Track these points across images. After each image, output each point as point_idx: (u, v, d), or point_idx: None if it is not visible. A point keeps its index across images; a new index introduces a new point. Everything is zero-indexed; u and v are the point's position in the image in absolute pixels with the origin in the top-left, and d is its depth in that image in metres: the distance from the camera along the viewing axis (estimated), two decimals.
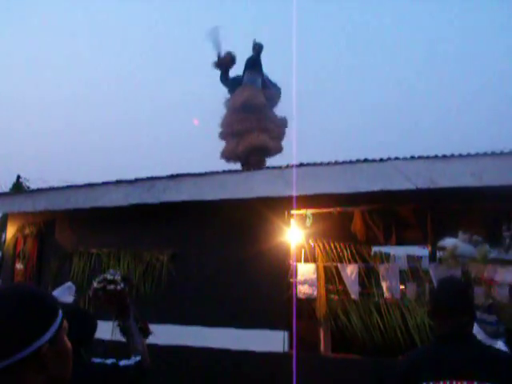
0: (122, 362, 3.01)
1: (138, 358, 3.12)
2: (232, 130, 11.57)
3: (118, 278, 3.58)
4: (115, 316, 3.49)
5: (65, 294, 5.49)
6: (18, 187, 19.13)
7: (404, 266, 7.96)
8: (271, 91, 11.96)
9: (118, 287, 3.47)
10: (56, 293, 5.28)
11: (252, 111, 11.28)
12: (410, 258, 8.62)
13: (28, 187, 19.23)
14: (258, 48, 11.84)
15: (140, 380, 3.09)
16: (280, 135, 11.88)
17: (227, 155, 12.01)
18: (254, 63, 11.76)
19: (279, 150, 11.86)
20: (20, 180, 19.78)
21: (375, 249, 9.01)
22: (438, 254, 7.82)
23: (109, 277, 3.54)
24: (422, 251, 9.48)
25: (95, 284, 3.56)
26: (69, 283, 4.89)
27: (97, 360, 2.95)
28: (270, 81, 12.08)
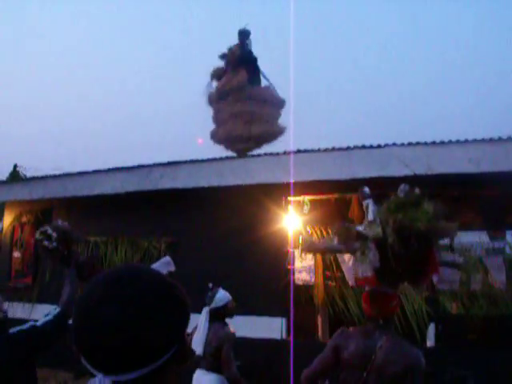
0: (41, 321, 2.98)
1: (58, 311, 3.08)
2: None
3: (53, 234, 3.60)
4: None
5: (163, 268, 5.41)
6: (15, 176, 19.09)
7: None
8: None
9: (50, 246, 3.54)
10: (155, 266, 5.22)
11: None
12: None
13: (25, 176, 19.19)
14: (244, 34, 11.54)
15: (61, 332, 3.04)
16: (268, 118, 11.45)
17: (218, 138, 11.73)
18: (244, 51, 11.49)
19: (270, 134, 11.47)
20: (17, 168, 19.74)
21: None
22: None
23: (48, 231, 3.60)
24: None
25: (37, 234, 3.65)
26: (167, 258, 4.82)
27: (15, 328, 2.88)
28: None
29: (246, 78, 11.00)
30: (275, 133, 11.44)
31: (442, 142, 6.76)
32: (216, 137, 11.59)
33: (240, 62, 11.06)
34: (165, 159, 8.35)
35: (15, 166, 19.77)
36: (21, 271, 10.67)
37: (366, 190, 5.94)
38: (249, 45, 11.55)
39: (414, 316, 7.29)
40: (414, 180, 6.90)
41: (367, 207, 5.85)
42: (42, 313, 8.76)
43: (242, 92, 10.93)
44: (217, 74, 11.48)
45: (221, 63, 11.79)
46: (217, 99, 11.45)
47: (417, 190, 4.65)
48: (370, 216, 5.22)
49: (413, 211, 4.33)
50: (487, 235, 7.86)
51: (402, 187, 5.85)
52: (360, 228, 4.52)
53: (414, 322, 7.25)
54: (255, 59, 11.48)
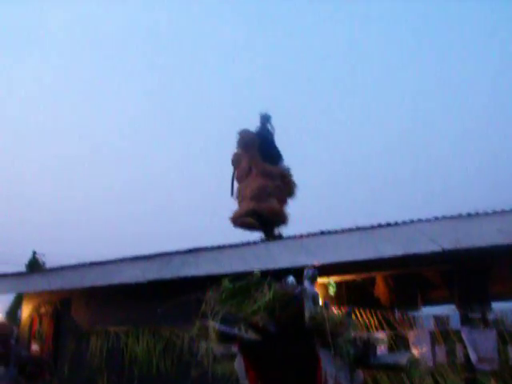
0: None
1: None
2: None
3: None
4: None
5: None
6: (34, 263, 19.11)
7: (431, 328, 7.63)
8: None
9: None
10: None
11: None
12: (437, 318, 8.29)
13: (44, 263, 19.22)
14: (265, 119, 11.71)
15: None
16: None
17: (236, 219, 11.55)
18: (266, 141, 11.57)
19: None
20: (36, 255, 19.80)
21: (401, 313, 8.67)
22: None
23: None
24: (449, 311, 9.14)
25: None
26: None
27: None
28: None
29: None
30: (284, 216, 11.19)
31: (469, 215, 6.59)
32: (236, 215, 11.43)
33: (251, 146, 11.15)
34: (186, 246, 8.23)
35: (34, 253, 19.85)
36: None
37: (291, 279, 5.63)
38: (270, 129, 11.70)
39: None
40: (442, 255, 6.71)
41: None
42: None
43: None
44: (235, 160, 11.54)
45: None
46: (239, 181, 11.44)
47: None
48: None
49: (240, 299, 3.98)
50: None
51: (306, 272, 5.56)
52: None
53: None
54: (271, 141, 11.55)
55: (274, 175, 10.96)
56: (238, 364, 4.25)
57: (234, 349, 4.09)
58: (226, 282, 4.34)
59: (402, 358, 4.50)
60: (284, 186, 11.12)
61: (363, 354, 4.26)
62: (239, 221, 10.73)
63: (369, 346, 4.47)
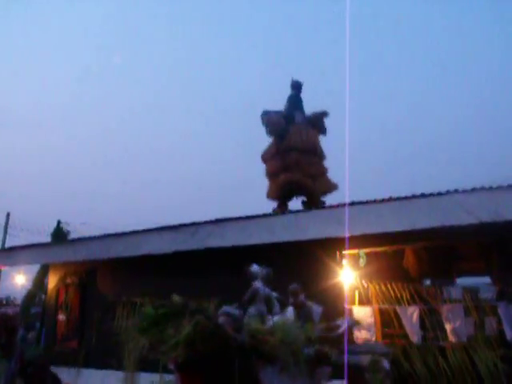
0: None
1: None
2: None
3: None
4: None
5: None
6: (59, 232, 19.21)
7: (459, 296, 7.41)
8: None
9: None
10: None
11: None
12: (467, 290, 8.05)
13: (68, 231, 19.31)
14: (297, 86, 11.57)
15: None
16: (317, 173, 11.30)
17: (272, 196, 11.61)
18: (292, 99, 11.46)
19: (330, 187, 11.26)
20: (60, 225, 19.89)
21: (433, 286, 8.42)
22: None
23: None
24: (480, 283, 8.89)
25: None
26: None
27: None
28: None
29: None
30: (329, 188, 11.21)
31: (510, 186, 6.25)
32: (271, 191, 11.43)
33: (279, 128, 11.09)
34: (213, 216, 8.06)
35: (59, 223, 19.93)
36: (66, 335, 10.42)
37: (255, 268, 5.76)
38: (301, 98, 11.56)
39: (489, 377, 6.63)
40: (480, 228, 6.41)
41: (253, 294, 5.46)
42: (87, 377, 8.41)
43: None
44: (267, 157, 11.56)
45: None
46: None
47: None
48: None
49: (163, 327, 3.65)
50: None
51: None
52: None
53: (489, 382, 6.59)
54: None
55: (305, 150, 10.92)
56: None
57: (170, 366, 3.87)
58: (148, 309, 4.07)
59: (363, 360, 4.33)
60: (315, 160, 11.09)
61: (323, 355, 4.05)
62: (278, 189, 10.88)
63: (331, 344, 4.29)
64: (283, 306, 5.70)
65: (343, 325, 4.62)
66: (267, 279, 5.48)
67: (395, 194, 6.85)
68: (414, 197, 6.67)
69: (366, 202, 6.94)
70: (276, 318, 4.32)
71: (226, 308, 4.53)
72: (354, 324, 5.02)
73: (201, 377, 3.61)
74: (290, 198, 11.30)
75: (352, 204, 6.95)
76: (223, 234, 7.74)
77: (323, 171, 11.39)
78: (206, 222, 8.06)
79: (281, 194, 11.14)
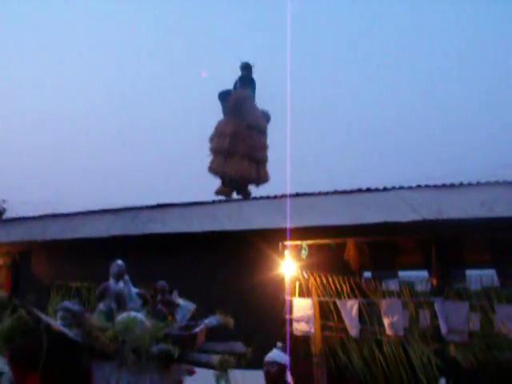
0: None
1: None
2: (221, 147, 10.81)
3: None
4: None
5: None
6: None
7: (396, 287, 7.52)
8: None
9: None
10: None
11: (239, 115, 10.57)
12: (404, 283, 8.17)
13: (4, 209, 18.52)
14: (247, 67, 11.34)
15: None
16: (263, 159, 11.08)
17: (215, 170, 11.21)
18: (244, 79, 11.20)
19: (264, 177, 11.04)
20: None
21: (374, 279, 8.50)
22: None
23: None
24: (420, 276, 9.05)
25: None
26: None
27: None
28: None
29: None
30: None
31: (453, 185, 6.33)
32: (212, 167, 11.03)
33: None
34: (154, 201, 7.82)
35: None
36: None
37: (119, 262, 5.83)
38: (252, 78, 11.26)
39: (423, 370, 6.75)
40: (422, 224, 6.48)
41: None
42: None
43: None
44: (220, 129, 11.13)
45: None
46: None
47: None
48: None
49: None
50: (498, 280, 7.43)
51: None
52: None
53: (422, 376, 6.72)
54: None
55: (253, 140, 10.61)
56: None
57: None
58: None
59: (213, 359, 4.28)
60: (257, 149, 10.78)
61: (166, 353, 3.99)
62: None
63: (185, 343, 4.26)
64: (146, 303, 5.70)
65: (202, 324, 4.66)
66: (119, 276, 5.52)
67: (340, 187, 6.83)
68: (358, 191, 6.67)
69: (311, 194, 6.89)
70: (124, 315, 4.17)
71: (65, 303, 4.41)
72: (220, 323, 5.02)
73: (32, 370, 3.52)
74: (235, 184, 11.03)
75: (296, 195, 6.89)
76: (164, 219, 7.53)
77: (266, 159, 11.14)
78: (146, 207, 7.83)
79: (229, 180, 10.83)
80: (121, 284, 5.44)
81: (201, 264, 7.78)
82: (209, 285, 7.63)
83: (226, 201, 7.43)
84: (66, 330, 3.73)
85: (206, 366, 4.24)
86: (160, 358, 3.91)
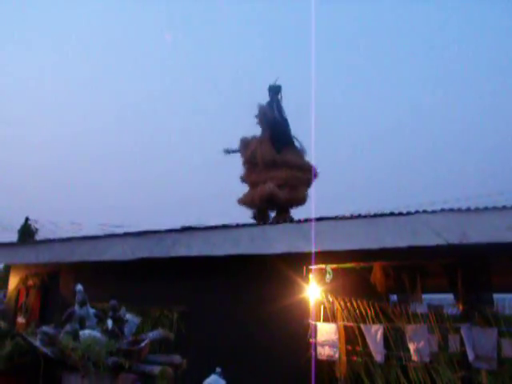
0: None
1: None
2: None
3: None
4: None
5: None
6: (26, 229, 18.77)
7: (424, 311, 7.40)
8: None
9: None
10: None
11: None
12: (432, 307, 8.05)
13: (36, 229, 18.86)
14: (274, 90, 11.37)
15: None
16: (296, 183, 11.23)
17: (244, 202, 11.56)
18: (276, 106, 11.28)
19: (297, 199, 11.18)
20: (28, 222, 19.43)
21: (400, 304, 8.39)
22: None
23: None
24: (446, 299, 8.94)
25: None
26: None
27: None
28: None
29: (269, 152, 10.88)
30: (300, 199, 11.20)
31: (477, 209, 6.24)
32: (245, 198, 11.37)
33: (267, 126, 10.95)
34: (179, 224, 7.94)
35: (27, 220, 19.48)
36: None
37: (79, 287, 6.80)
38: (280, 100, 11.38)
39: None
40: (446, 249, 6.39)
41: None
42: None
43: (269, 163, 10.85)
44: (244, 144, 11.43)
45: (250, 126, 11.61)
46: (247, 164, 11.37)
47: None
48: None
49: None
50: None
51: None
52: None
53: None
54: (285, 121, 11.33)
55: (292, 165, 10.91)
56: None
57: None
58: None
59: (155, 369, 5.19)
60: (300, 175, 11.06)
61: (119, 365, 5.02)
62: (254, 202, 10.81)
63: (132, 355, 5.24)
64: (101, 321, 6.52)
65: (146, 339, 5.59)
66: (83, 302, 6.47)
67: (364, 211, 6.81)
68: (382, 215, 6.63)
69: (334, 218, 6.87)
70: (87, 334, 5.33)
71: (43, 328, 5.65)
72: (162, 336, 6.11)
73: (16, 381, 4.86)
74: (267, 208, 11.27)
75: (320, 219, 6.88)
76: (189, 243, 7.61)
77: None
78: (171, 230, 7.92)
79: (260, 204, 11.06)
80: (84, 309, 6.44)
81: (225, 287, 7.82)
82: (232, 308, 7.65)
83: (249, 225, 7.46)
84: (46, 350, 4.91)
85: (149, 375, 5.13)
86: (113, 369, 4.93)
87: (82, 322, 6.04)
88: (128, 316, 6.40)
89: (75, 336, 5.48)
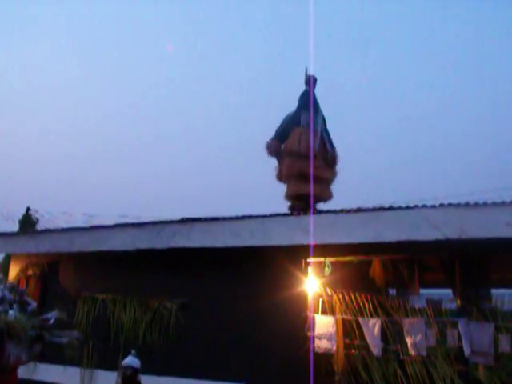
0: None
1: None
2: (291, 173, 10.80)
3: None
4: None
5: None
6: (27, 219, 18.79)
7: (423, 305, 7.40)
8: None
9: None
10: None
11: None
12: (430, 301, 8.06)
13: (37, 219, 18.89)
14: (311, 81, 11.03)
15: None
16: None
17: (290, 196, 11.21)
18: (308, 99, 10.99)
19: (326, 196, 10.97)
20: (29, 212, 19.45)
21: (397, 298, 8.39)
22: None
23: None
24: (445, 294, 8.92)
25: None
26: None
27: None
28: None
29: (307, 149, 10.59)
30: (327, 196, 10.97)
31: (477, 204, 6.24)
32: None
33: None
34: (180, 215, 7.94)
35: (28, 209, 19.50)
36: None
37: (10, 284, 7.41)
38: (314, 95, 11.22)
39: None
40: (445, 244, 6.40)
41: None
42: (44, 372, 8.42)
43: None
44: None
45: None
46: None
47: None
48: None
49: None
50: None
51: None
52: None
53: None
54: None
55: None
56: None
57: None
58: None
59: (64, 340, 6.58)
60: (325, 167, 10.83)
61: (39, 337, 6.29)
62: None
63: (46, 329, 6.45)
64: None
65: (52, 318, 6.67)
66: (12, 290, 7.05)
67: (364, 205, 6.82)
68: (381, 209, 6.63)
69: (334, 211, 6.89)
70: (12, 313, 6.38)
71: None
72: (57, 317, 6.83)
73: None
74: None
75: (319, 213, 6.90)
76: (189, 234, 7.62)
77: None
78: (171, 222, 7.93)
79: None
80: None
81: (224, 279, 7.85)
82: (231, 300, 7.68)
83: (249, 217, 7.44)
84: None
85: (60, 344, 6.47)
86: (35, 339, 6.23)
87: (10, 306, 6.86)
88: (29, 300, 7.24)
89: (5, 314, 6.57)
